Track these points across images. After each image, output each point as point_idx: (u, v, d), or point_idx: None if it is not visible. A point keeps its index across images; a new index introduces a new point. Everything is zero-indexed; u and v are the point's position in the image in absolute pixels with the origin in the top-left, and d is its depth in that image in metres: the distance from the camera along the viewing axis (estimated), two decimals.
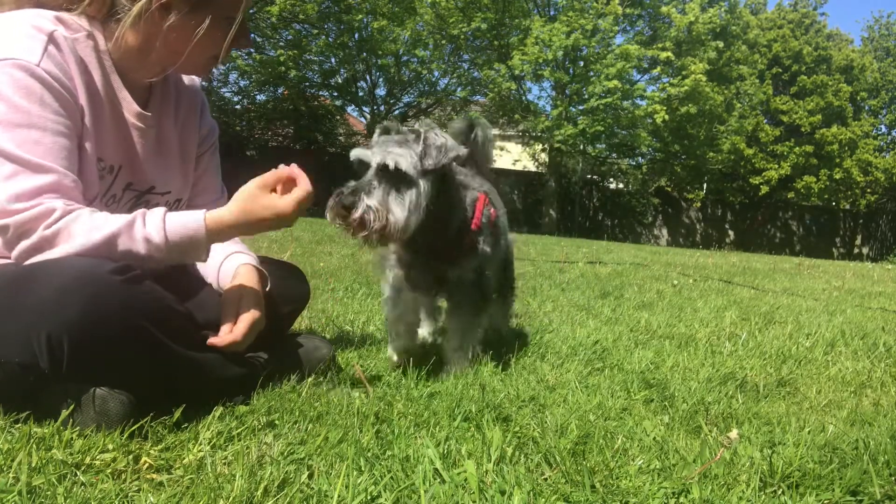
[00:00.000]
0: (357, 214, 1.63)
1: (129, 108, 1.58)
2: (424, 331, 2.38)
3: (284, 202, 1.50)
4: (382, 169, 1.66)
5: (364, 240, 1.67)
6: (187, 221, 1.46)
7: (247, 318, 1.59)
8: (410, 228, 1.69)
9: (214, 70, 1.70)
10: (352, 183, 1.67)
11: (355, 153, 1.72)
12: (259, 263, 1.79)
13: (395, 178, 1.67)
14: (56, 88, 1.38)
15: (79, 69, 1.44)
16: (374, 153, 1.67)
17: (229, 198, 1.57)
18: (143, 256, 1.42)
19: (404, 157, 1.66)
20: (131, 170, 1.61)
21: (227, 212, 1.50)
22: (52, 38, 1.39)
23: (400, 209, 1.66)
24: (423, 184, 1.70)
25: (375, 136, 1.79)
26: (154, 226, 1.43)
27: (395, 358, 2.10)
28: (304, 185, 1.52)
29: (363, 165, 1.71)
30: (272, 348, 1.80)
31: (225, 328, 1.58)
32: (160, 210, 1.46)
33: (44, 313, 1.26)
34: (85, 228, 1.36)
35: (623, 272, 6.36)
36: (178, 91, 1.77)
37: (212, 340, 1.55)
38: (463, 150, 1.79)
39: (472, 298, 2.07)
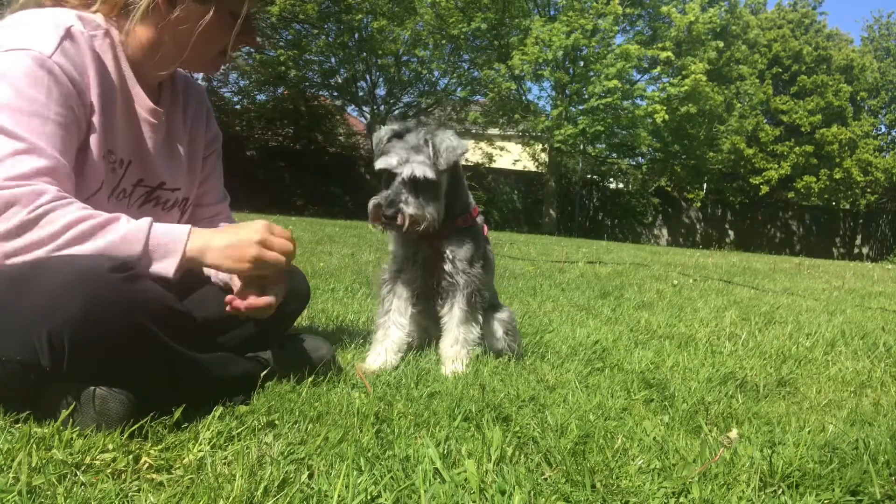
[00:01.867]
0: (400, 221, 1.94)
1: (142, 103, 1.63)
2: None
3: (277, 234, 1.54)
4: (411, 180, 1.94)
5: (404, 234, 2.01)
6: (172, 228, 1.46)
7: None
8: (440, 219, 2.03)
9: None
10: (385, 193, 1.96)
11: (382, 164, 1.97)
12: None
13: (421, 186, 1.96)
14: (64, 82, 1.41)
15: (94, 64, 1.49)
16: (402, 167, 1.94)
17: (231, 204, 1.72)
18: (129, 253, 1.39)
19: (426, 165, 1.95)
20: (142, 165, 1.65)
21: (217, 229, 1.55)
22: (68, 33, 1.44)
23: (431, 211, 1.99)
24: (441, 181, 2.01)
25: (384, 135, 2.03)
26: (137, 226, 1.42)
27: (372, 367, 2.07)
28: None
29: (387, 171, 1.99)
30: (273, 348, 1.81)
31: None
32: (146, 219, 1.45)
33: (44, 311, 1.26)
34: (67, 220, 1.35)
35: (623, 272, 6.36)
36: (187, 94, 1.83)
37: (248, 302, 1.55)
38: (467, 147, 2.06)
39: (465, 294, 2.09)
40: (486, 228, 2.28)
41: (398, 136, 2.01)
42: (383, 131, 2.05)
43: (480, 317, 2.16)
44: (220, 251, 1.47)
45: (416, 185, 1.95)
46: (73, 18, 1.48)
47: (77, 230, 1.35)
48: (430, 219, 1.98)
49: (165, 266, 1.43)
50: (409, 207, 1.94)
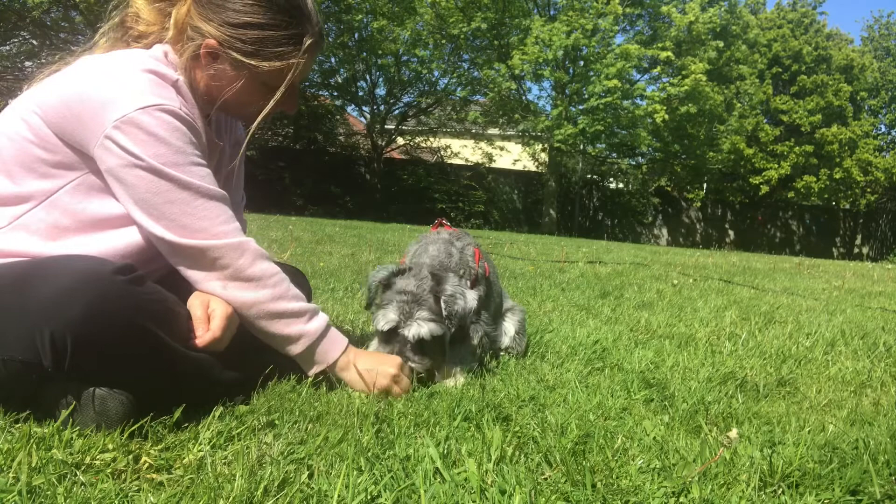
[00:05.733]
0: (409, 373, 1.85)
1: (208, 135, 1.70)
2: None
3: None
4: (417, 340, 1.87)
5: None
6: (335, 341, 1.72)
7: (220, 314, 1.54)
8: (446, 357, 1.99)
9: None
10: (388, 348, 1.89)
11: (384, 323, 1.87)
12: None
13: (428, 341, 1.88)
14: (196, 129, 1.54)
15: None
16: (407, 328, 1.86)
17: (247, 206, 1.87)
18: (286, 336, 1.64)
19: (432, 322, 1.87)
20: None
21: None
22: (176, 86, 1.55)
23: (439, 358, 1.95)
24: (447, 330, 1.91)
25: (374, 285, 1.94)
26: (316, 327, 1.67)
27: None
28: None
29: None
30: (272, 347, 1.80)
31: (200, 329, 1.52)
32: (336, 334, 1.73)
33: (47, 312, 1.27)
34: (275, 294, 1.60)
35: (623, 272, 6.36)
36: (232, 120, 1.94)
37: (199, 341, 1.51)
38: (475, 295, 1.96)
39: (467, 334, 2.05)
40: (488, 269, 2.17)
41: (387, 286, 1.92)
42: (371, 279, 1.95)
43: (479, 342, 2.11)
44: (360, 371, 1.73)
45: (423, 342, 1.87)
46: (164, 63, 1.56)
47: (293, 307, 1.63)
48: (438, 365, 1.94)
49: (312, 368, 1.69)
50: (420, 364, 1.89)
